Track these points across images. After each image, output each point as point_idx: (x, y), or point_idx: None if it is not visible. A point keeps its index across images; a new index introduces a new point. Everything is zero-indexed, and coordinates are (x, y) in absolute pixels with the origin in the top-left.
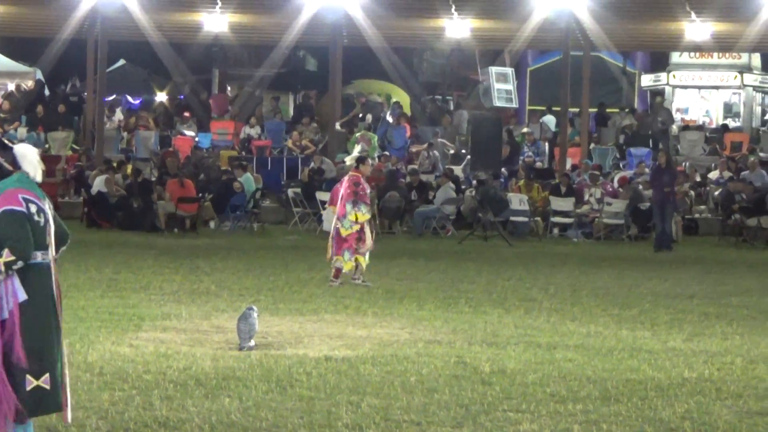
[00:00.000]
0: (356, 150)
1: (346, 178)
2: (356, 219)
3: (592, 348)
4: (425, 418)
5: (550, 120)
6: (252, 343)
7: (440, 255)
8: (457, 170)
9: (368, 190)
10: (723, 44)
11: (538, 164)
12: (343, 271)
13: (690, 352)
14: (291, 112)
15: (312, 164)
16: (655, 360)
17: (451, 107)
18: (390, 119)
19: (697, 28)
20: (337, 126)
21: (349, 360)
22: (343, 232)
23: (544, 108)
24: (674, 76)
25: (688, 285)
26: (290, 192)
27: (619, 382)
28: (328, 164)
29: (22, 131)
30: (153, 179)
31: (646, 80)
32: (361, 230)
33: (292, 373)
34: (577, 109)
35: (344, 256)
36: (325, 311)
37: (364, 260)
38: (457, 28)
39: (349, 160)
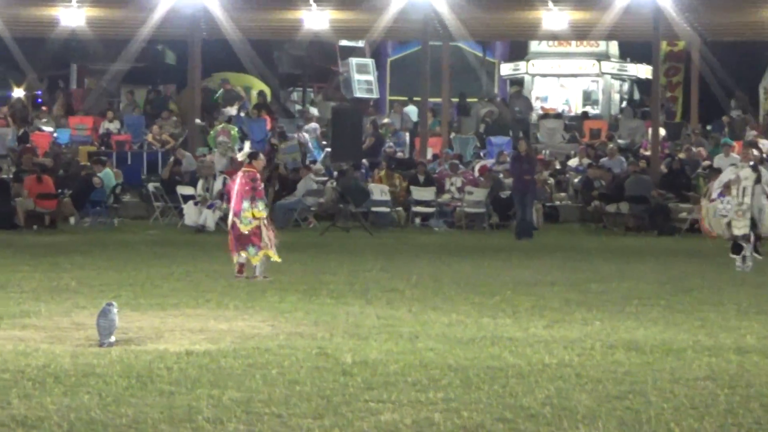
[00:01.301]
0: (222, 142)
1: (240, 173)
2: (253, 216)
3: (453, 337)
4: (286, 410)
5: (411, 110)
6: (112, 339)
7: (302, 247)
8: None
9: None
10: (580, 32)
11: (399, 154)
12: (253, 264)
13: (551, 339)
14: (149, 106)
15: (172, 158)
16: (516, 347)
17: (313, 99)
18: (245, 112)
19: (554, 17)
20: (197, 120)
21: (210, 354)
22: (243, 228)
23: (405, 98)
24: (533, 64)
25: (548, 272)
26: (151, 186)
27: (480, 369)
28: (189, 158)
29: None
30: (11, 176)
31: (506, 69)
32: (260, 226)
33: (153, 368)
34: (438, 99)
35: (249, 251)
36: (187, 305)
37: (273, 255)
38: (316, 19)
39: (241, 156)
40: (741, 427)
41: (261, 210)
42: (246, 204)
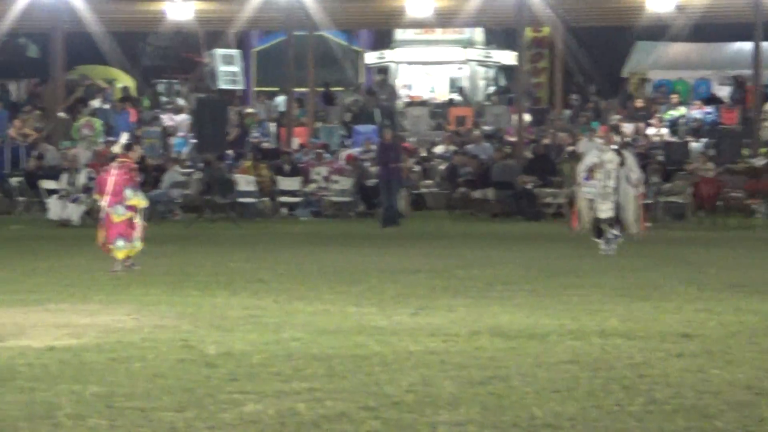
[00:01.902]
0: (84, 135)
1: (115, 165)
2: (135, 204)
3: (318, 326)
4: (149, 403)
5: (278, 100)
6: None
7: (168, 239)
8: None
9: None
10: (444, 20)
11: (265, 145)
12: (118, 257)
13: (416, 326)
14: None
15: (36, 152)
16: (381, 335)
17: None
18: (109, 104)
19: (418, 5)
20: (61, 113)
21: (72, 349)
22: (116, 219)
23: (272, 89)
24: (399, 52)
25: (415, 259)
26: (14, 181)
27: (345, 358)
28: (52, 152)
29: None
30: None
31: (371, 58)
32: (132, 217)
33: (14, 365)
34: (304, 89)
35: (117, 243)
36: (50, 300)
37: (139, 245)
38: (179, 10)
39: (117, 148)
40: (601, 409)
41: (141, 199)
42: (130, 192)
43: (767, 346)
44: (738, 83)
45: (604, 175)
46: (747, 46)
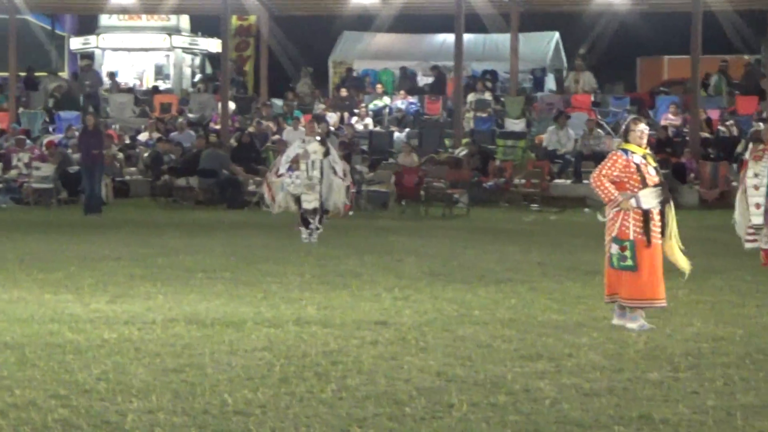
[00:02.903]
0: None
1: None
2: None
3: (13, 314)
4: None
5: None
6: None
7: None
8: None
9: None
10: (149, 6)
11: None
12: None
13: (112, 314)
14: None
15: None
16: (77, 323)
17: None
18: None
19: None
20: None
21: None
22: None
23: None
24: (104, 38)
25: (115, 247)
26: None
27: (38, 346)
28: None
29: None
30: None
31: (76, 43)
32: None
33: None
34: (5, 74)
35: None
36: None
37: None
38: None
39: None
40: (293, 396)
41: None
42: None
43: (461, 333)
44: (440, 74)
45: (309, 165)
46: (451, 38)
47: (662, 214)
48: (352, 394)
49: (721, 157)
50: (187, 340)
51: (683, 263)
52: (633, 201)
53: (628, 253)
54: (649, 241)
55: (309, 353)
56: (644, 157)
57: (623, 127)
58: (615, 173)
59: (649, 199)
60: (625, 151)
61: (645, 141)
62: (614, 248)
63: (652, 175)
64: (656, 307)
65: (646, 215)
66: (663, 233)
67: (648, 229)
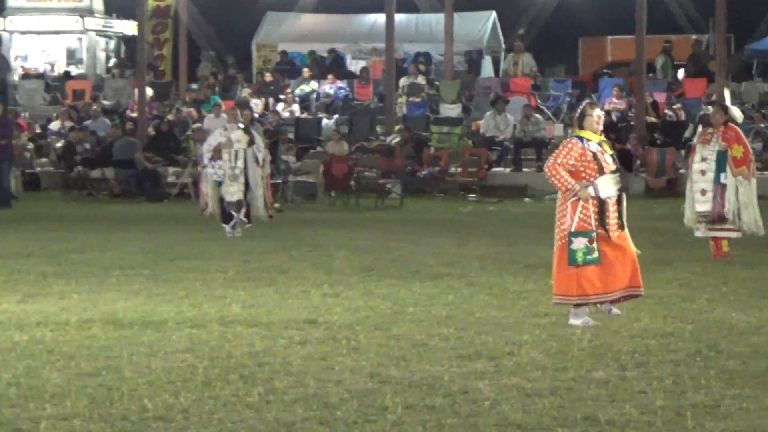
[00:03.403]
0: None
1: None
2: None
3: None
4: None
5: None
6: None
7: None
8: None
9: None
10: None
11: None
12: None
13: (23, 315)
14: None
15: None
16: None
17: None
18: None
19: None
20: None
21: None
22: None
23: None
24: (11, 21)
25: (26, 243)
26: None
27: None
28: None
29: None
30: None
31: None
32: None
33: None
34: None
35: None
36: None
37: None
38: None
39: None
40: (218, 400)
41: None
42: None
43: (395, 332)
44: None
45: (232, 155)
46: (381, 18)
47: (619, 202)
48: (280, 398)
49: (669, 142)
50: (104, 341)
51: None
52: (591, 189)
53: (595, 244)
54: (607, 233)
55: (234, 354)
56: (600, 144)
57: (578, 112)
58: (571, 162)
59: (608, 186)
60: (581, 138)
61: (601, 127)
62: (579, 243)
63: (609, 163)
64: (606, 301)
65: (602, 205)
66: (621, 224)
67: (604, 220)
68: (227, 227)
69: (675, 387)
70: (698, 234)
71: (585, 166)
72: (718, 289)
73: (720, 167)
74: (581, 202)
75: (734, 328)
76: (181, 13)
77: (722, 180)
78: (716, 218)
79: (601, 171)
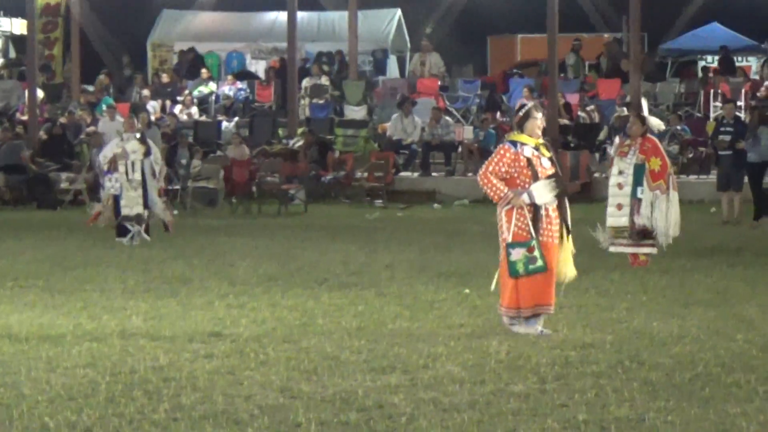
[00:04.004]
0: None
1: None
2: None
3: None
4: None
5: None
6: None
7: None
8: None
9: None
10: None
11: None
12: None
13: None
14: None
15: None
16: None
17: None
18: None
19: None
20: None
21: None
22: None
23: None
24: None
25: None
26: None
27: None
28: None
29: None
30: None
31: None
32: None
33: None
34: None
35: None
36: None
37: None
38: None
39: None
40: (123, 417)
41: None
42: None
43: (304, 345)
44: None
45: (129, 166)
46: (283, 16)
47: (560, 208)
48: (188, 414)
49: (582, 145)
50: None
51: (570, 270)
52: (525, 196)
53: (537, 253)
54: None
55: (137, 369)
56: (537, 148)
57: (521, 114)
58: (503, 169)
59: (543, 192)
60: (514, 143)
61: (540, 131)
62: (518, 253)
63: (546, 168)
64: (550, 313)
65: (536, 211)
66: (564, 232)
67: (538, 227)
68: (124, 240)
69: (597, 400)
70: (613, 249)
71: (519, 172)
72: (638, 298)
73: (637, 181)
74: (515, 211)
75: (655, 338)
76: (73, 11)
77: (638, 194)
78: (639, 233)
79: (536, 177)
